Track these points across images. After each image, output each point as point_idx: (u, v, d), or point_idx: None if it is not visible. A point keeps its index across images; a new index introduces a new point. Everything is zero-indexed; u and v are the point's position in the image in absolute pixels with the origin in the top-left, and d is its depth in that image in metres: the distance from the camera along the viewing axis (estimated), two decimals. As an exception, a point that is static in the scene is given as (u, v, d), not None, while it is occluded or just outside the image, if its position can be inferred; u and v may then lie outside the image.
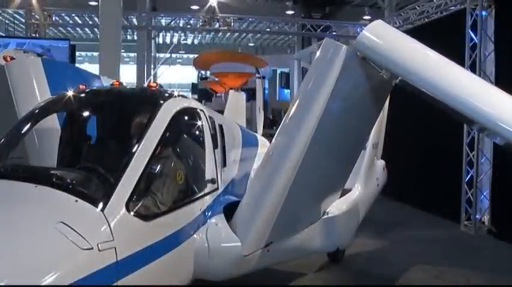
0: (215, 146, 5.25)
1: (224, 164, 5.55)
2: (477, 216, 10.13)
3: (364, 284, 7.02)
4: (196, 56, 30.92)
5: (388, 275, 7.30)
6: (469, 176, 10.29)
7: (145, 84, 5.69)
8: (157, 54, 36.66)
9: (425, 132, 11.64)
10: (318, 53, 4.67)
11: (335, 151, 5.09)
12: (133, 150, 4.13)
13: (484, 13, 10.04)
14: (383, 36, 4.13)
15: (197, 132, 5.08)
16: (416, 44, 4.13)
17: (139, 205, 3.94)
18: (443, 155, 11.14)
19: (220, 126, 5.65)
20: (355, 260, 7.89)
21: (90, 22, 19.30)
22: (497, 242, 9.38)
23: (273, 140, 4.98)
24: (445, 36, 10.44)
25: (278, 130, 4.90)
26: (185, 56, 48.45)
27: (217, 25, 15.60)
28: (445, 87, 3.82)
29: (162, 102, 4.67)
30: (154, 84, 5.31)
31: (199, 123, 5.07)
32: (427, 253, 8.44)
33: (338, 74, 4.30)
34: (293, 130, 4.63)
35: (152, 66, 33.95)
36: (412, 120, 11.58)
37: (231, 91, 11.67)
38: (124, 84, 5.97)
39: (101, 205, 3.69)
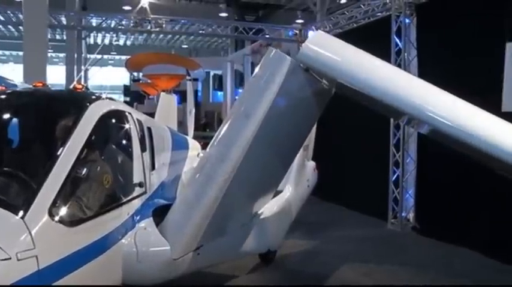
0: (143, 149, 5.18)
1: (153, 167, 5.48)
2: (403, 214, 10.54)
3: (296, 284, 7.13)
4: (128, 57, 30.34)
5: (319, 274, 7.43)
6: (396, 175, 10.69)
7: (71, 86, 5.51)
8: (88, 55, 35.64)
9: (354, 135, 11.99)
10: (261, 62, 4.73)
11: (272, 157, 5.16)
12: (57, 154, 4.01)
13: (407, 20, 10.50)
14: (325, 46, 4.23)
15: (124, 136, 4.99)
16: (354, 49, 4.27)
17: (63, 211, 3.82)
18: (372, 156, 11.52)
19: (149, 129, 5.58)
20: (287, 260, 7.99)
21: (14, 19, 18.43)
22: (421, 238, 9.81)
23: (210, 145, 4.99)
24: (372, 40, 10.72)
25: (215, 136, 4.92)
26: (117, 57, 47.45)
27: (149, 27, 15.30)
28: (383, 86, 3.99)
29: (87, 104, 4.55)
30: (80, 86, 5.16)
31: (126, 126, 4.98)
32: (357, 252, 8.68)
33: (280, 85, 4.39)
34: (231, 137, 4.67)
35: (83, 67, 32.95)
36: (342, 123, 11.88)
37: (162, 93, 11.54)
38: (49, 85, 5.75)
39: (21, 212, 3.54)
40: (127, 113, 5.09)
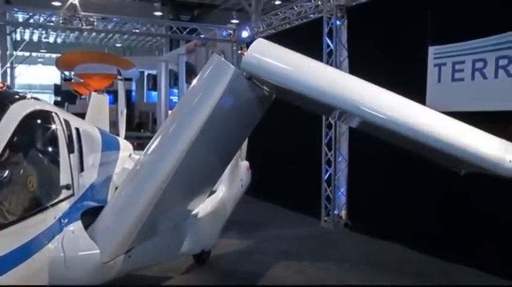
0: (71, 151, 5.03)
1: (81, 169, 5.33)
2: (335, 212, 10.80)
3: (230, 284, 7.14)
4: (59, 55, 29.40)
5: (253, 273, 7.49)
6: (328, 174, 10.92)
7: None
8: (14, 52, 34.16)
9: (287, 134, 12.17)
10: (204, 69, 4.73)
11: (210, 160, 5.17)
12: None
13: (338, 22, 10.73)
14: (267, 54, 4.26)
15: (50, 137, 4.81)
16: (295, 55, 4.34)
17: None
18: (304, 155, 11.73)
19: (77, 129, 5.43)
20: (221, 260, 7.99)
21: None
22: (353, 235, 10.08)
23: (146, 149, 4.93)
24: (304, 41, 10.93)
25: (153, 139, 4.88)
26: (47, 55, 45.93)
27: (79, 24, 14.80)
28: (324, 88, 4.09)
29: (9, 104, 4.35)
30: (1, 85, 4.94)
31: (52, 126, 4.82)
32: (290, 250, 8.81)
33: (222, 92, 4.39)
34: (171, 141, 4.63)
35: (8, 64, 31.57)
36: (275, 123, 11.98)
37: (93, 93, 11.23)
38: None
39: None
40: (53, 114, 4.93)
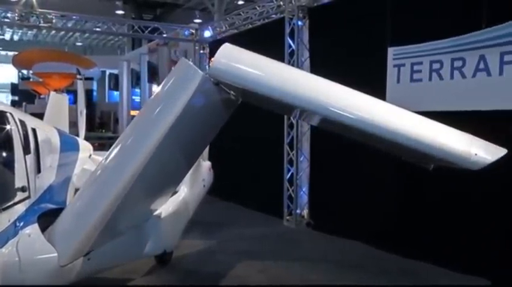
0: (26, 152, 4.92)
1: (38, 170, 5.21)
2: (297, 211, 10.87)
3: (192, 284, 7.11)
4: (16, 53, 28.62)
5: (215, 273, 7.48)
6: (290, 174, 10.99)
7: None
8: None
9: (250, 134, 12.17)
10: (172, 73, 4.75)
11: (175, 162, 5.18)
12: None
13: (300, 23, 10.81)
14: (234, 59, 4.28)
15: (3, 137, 4.70)
16: (262, 58, 4.36)
17: None
18: (266, 155, 11.77)
19: (34, 130, 5.31)
20: (184, 261, 7.94)
21: None
22: (315, 234, 10.16)
23: (111, 150, 4.88)
24: (267, 42, 10.98)
25: (117, 141, 4.84)
26: (3, 53, 44.76)
27: (37, 22, 14.40)
28: (291, 90, 4.16)
29: None
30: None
31: (6, 127, 4.71)
32: (253, 249, 8.82)
33: (190, 97, 4.39)
34: (136, 143, 4.62)
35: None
36: (237, 123, 11.96)
37: (52, 93, 11.01)
38: None
39: None
40: (7, 114, 4.82)
